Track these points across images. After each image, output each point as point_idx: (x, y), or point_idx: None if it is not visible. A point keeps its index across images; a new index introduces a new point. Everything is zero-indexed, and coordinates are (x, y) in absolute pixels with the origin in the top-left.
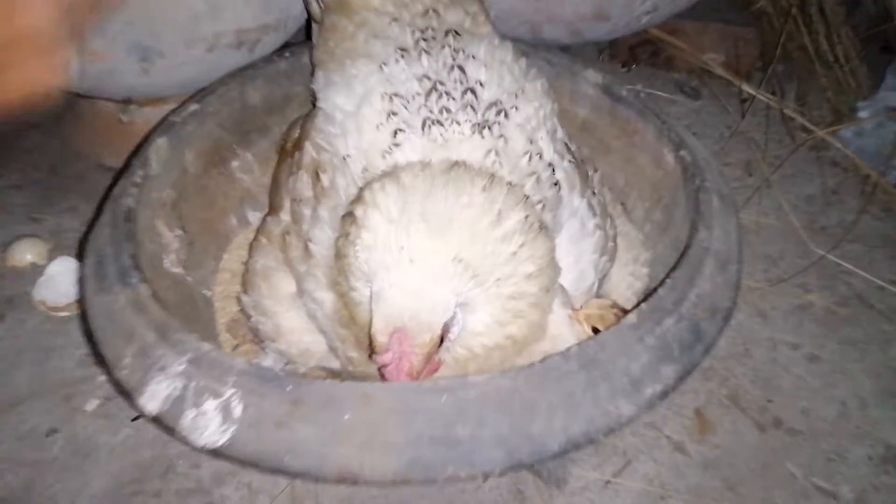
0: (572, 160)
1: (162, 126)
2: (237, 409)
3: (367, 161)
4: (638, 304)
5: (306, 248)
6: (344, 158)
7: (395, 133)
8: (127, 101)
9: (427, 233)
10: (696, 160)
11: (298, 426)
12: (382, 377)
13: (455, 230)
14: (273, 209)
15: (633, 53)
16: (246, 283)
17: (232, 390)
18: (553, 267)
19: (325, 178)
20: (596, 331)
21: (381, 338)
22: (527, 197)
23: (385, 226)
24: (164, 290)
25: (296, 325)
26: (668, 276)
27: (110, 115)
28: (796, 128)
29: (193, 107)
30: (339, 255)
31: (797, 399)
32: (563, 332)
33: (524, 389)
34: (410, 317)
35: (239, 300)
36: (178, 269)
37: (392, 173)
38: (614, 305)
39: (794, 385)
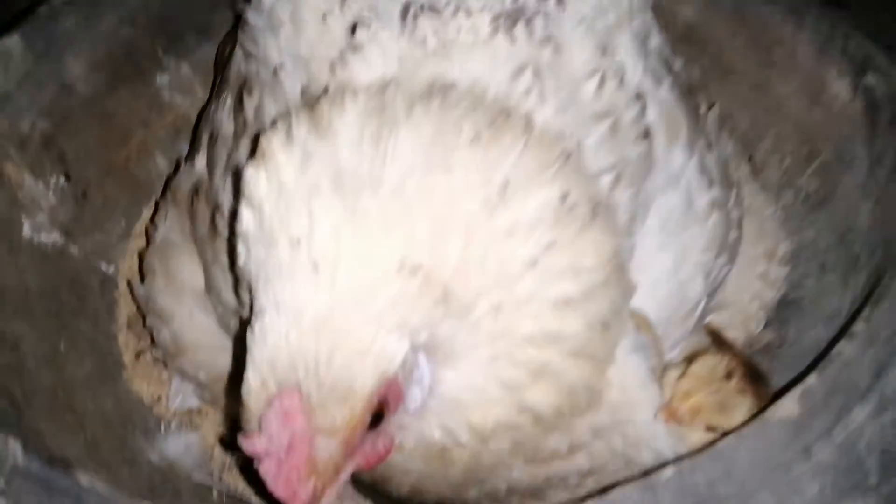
0: (675, 86)
1: (21, 21)
2: None
3: (307, 76)
4: (801, 378)
5: (213, 220)
6: (275, 72)
7: (354, 28)
8: None
9: (346, 213)
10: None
11: None
12: (257, 483)
13: (406, 213)
14: (190, 150)
15: None
16: (142, 264)
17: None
18: (619, 286)
19: (249, 105)
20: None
21: (254, 405)
22: (568, 156)
23: (273, 199)
24: (20, 272)
25: (202, 337)
26: (857, 313)
27: None
28: None
29: None
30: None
31: None
32: (633, 397)
33: None
34: (310, 370)
35: (131, 289)
36: (51, 237)
37: (314, 104)
38: (731, 370)
39: None
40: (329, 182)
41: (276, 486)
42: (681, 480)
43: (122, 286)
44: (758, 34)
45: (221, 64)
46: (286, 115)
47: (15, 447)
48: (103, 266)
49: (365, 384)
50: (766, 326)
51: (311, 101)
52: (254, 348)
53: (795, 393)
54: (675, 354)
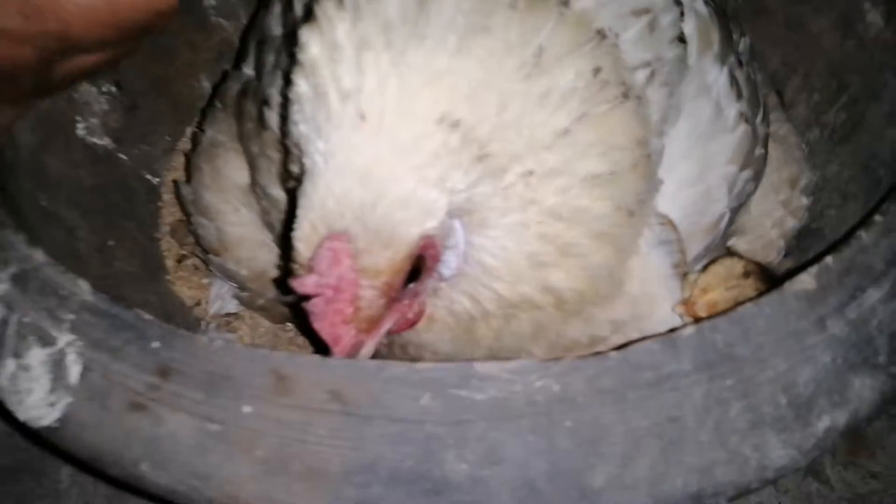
0: (709, 3)
1: None
2: (74, 370)
3: None
4: (821, 256)
5: (261, 116)
6: None
7: None
8: None
9: (392, 66)
10: None
11: (167, 414)
12: (305, 327)
13: (448, 68)
14: (237, 60)
15: None
16: (189, 165)
17: (69, 337)
18: (645, 175)
19: (297, 4)
20: None
21: (304, 248)
22: (602, 37)
23: (326, 55)
24: (73, 166)
25: (246, 232)
26: (877, 206)
27: None
28: None
29: None
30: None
31: None
32: (654, 291)
33: (584, 400)
34: (357, 216)
35: (177, 190)
36: (102, 141)
37: None
38: (749, 271)
39: None
40: (377, 36)
41: (323, 326)
42: (700, 338)
43: (166, 197)
44: None
45: None
46: None
47: (84, 286)
48: (149, 176)
49: (407, 232)
50: (786, 255)
51: None
52: (304, 198)
53: (812, 270)
54: (696, 266)
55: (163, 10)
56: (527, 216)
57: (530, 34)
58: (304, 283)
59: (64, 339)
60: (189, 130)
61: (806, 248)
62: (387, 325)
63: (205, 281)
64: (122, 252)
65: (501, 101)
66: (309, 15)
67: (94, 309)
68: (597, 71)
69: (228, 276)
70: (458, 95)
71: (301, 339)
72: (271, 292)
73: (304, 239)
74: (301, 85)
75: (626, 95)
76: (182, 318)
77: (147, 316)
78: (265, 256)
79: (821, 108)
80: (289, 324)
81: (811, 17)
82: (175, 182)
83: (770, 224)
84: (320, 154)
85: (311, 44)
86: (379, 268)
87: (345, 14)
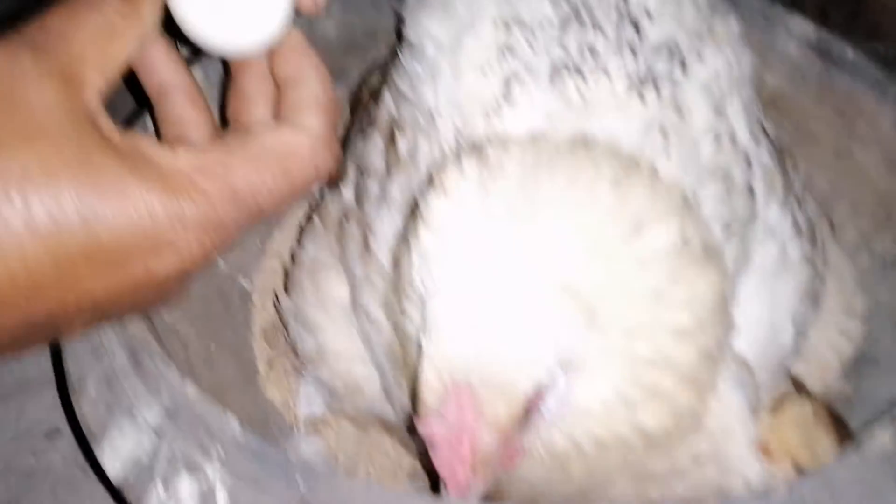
0: (771, 148)
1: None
2: (221, 501)
3: (462, 121)
4: (888, 411)
5: (366, 243)
6: (431, 115)
7: (509, 82)
8: None
9: (517, 237)
10: None
11: None
12: (425, 459)
13: (562, 239)
14: (334, 181)
15: (822, 12)
16: (288, 280)
17: (218, 469)
18: (722, 322)
19: (402, 143)
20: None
21: (430, 397)
22: (687, 200)
23: (452, 222)
24: None
25: (344, 347)
26: None
27: None
28: None
29: None
30: (395, 261)
31: None
32: (731, 427)
33: None
34: (480, 372)
35: (277, 301)
36: None
37: (476, 147)
38: (817, 411)
39: None
40: (500, 207)
41: (444, 467)
42: (790, 495)
43: (256, 300)
44: (842, 104)
45: (362, 104)
46: (456, 156)
47: (233, 422)
48: (242, 280)
49: (525, 385)
50: (842, 379)
51: (471, 145)
52: (431, 350)
53: (888, 428)
54: (765, 399)
55: (324, 172)
56: (623, 365)
57: (629, 205)
58: (429, 427)
59: (212, 471)
60: (276, 236)
61: (861, 372)
62: (497, 466)
63: (293, 385)
64: (223, 358)
65: (607, 266)
66: (430, 179)
67: (242, 444)
68: (684, 236)
69: (324, 386)
70: (571, 263)
71: (384, 446)
72: (362, 403)
73: (428, 388)
74: (427, 243)
75: (707, 253)
76: (276, 421)
77: (290, 452)
78: (361, 371)
79: (869, 234)
80: (372, 430)
81: (859, 148)
82: (276, 294)
83: (827, 350)
84: (444, 309)
85: (439, 209)
86: (498, 416)
87: (469, 185)
